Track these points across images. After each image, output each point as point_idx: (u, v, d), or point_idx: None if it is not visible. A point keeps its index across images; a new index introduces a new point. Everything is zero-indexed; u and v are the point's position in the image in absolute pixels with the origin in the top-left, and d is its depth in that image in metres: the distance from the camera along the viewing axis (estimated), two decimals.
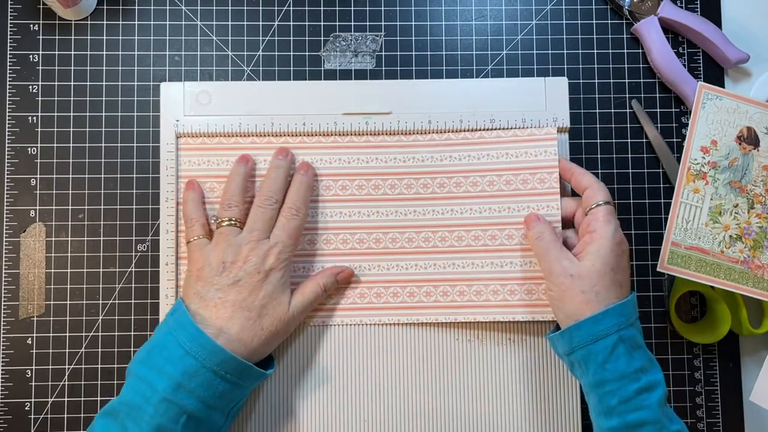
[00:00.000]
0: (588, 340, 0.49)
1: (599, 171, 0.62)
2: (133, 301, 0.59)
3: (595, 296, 0.50)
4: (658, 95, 0.63)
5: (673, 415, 0.50)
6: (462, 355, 0.57)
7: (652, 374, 0.49)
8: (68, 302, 0.59)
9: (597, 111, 0.62)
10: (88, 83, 0.61)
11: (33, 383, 0.58)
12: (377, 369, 0.57)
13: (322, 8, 0.62)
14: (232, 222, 0.53)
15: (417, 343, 0.57)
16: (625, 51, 0.63)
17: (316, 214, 0.58)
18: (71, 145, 0.60)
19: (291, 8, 0.62)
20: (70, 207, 0.60)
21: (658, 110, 0.63)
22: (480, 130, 0.59)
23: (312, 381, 0.57)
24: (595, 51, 0.63)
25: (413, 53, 0.62)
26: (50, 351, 0.59)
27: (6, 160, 0.60)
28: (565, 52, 0.63)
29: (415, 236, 0.58)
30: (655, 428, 0.47)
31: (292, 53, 0.62)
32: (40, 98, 0.61)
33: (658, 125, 0.62)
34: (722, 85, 0.63)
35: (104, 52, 0.61)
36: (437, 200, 0.58)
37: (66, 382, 0.59)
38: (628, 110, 0.63)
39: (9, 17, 0.61)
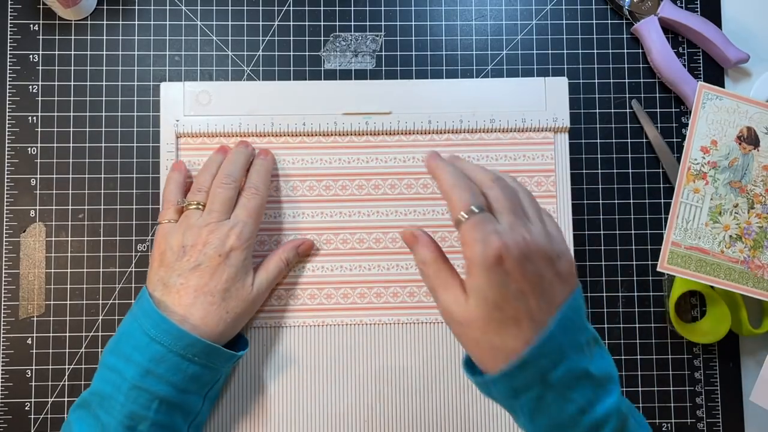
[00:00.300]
0: (507, 395, 0.40)
1: (599, 171, 0.62)
2: (132, 301, 0.59)
3: (490, 347, 0.40)
4: (658, 95, 0.63)
5: None
6: (462, 355, 0.57)
7: (599, 407, 0.39)
8: (68, 302, 0.59)
9: (597, 111, 0.62)
10: (88, 83, 0.61)
11: (33, 383, 0.58)
12: (378, 369, 0.57)
13: (322, 8, 0.62)
14: (199, 206, 0.53)
15: (417, 342, 0.57)
16: (625, 51, 0.63)
17: (316, 214, 0.58)
18: (71, 145, 0.60)
19: (291, 8, 0.62)
20: (70, 207, 0.60)
21: (658, 110, 0.63)
22: (480, 131, 0.59)
23: (311, 380, 0.57)
24: (595, 51, 0.63)
25: (413, 53, 0.62)
26: (50, 351, 0.59)
27: (6, 160, 0.60)
28: (565, 52, 0.63)
29: None
30: None
31: (292, 53, 0.62)
32: (40, 98, 0.61)
33: (658, 125, 0.62)
34: (722, 85, 0.63)
35: (104, 52, 0.61)
36: (437, 200, 0.58)
37: (66, 382, 0.58)
38: (628, 110, 0.63)
39: (9, 17, 0.61)
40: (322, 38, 0.62)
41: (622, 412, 0.41)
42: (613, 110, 0.62)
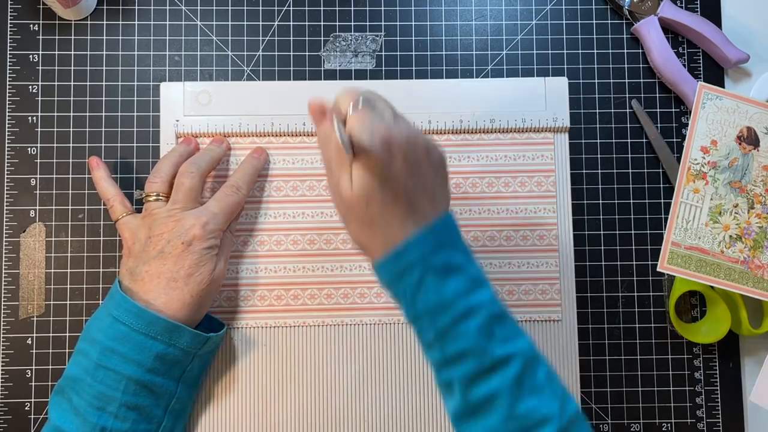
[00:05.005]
0: (393, 278, 0.44)
1: (599, 171, 0.62)
2: None
3: (371, 225, 0.44)
4: (658, 95, 0.63)
5: (511, 335, 0.43)
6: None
7: (474, 297, 0.43)
8: (68, 302, 0.59)
9: (597, 111, 0.62)
10: (88, 83, 0.61)
11: (33, 383, 0.58)
12: (378, 369, 0.57)
13: (322, 8, 0.62)
14: (159, 197, 0.53)
15: (417, 343, 0.57)
16: (625, 51, 0.63)
17: (316, 214, 0.58)
18: (71, 145, 0.60)
19: (291, 8, 0.62)
20: (70, 207, 0.60)
21: (658, 110, 0.63)
22: (480, 131, 0.59)
23: (311, 380, 0.57)
24: (595, 51, 0.63)
25: (413, 53, 0.62)
26: (50, 351, 0.59)
27: (6, 160, 0.60)
28: (565, 52, 0.63)
29: None
30: (477, 356, 0.42)
31: (292, 53, 0.62)
32: (40, 98, 0.61)
33: (658, 125, 0.62)
34: (722, 85, 0.63)
35: (104, 52, 0.61)
36: None
37: None
38: (628, 110, 0.63)
39: (9, 17, 0.61)
40: (322, 38, 0.62)
41: (496, 306, 0.43)
42: (613, 110, 0.62)
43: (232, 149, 0.58)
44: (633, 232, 0.61)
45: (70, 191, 0.60)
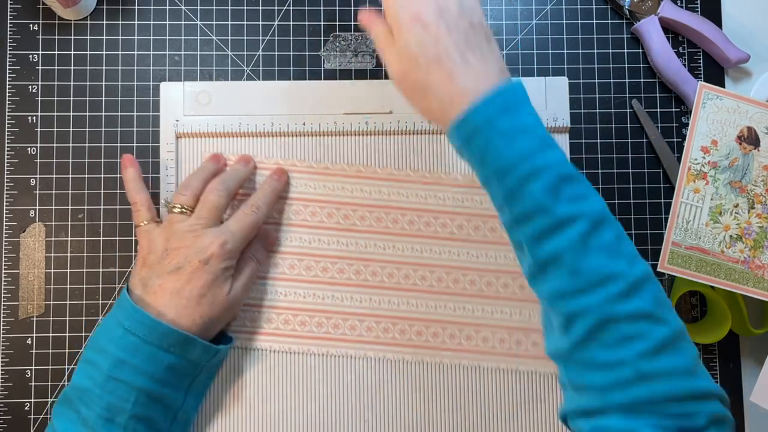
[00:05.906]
0: (463, 143, 0.45)
1: (599, 171, 0.62)
2: None
3: (425, 92, 0.45)
4: (658, 95, 0.63)
5: (580, 195, 0.43)
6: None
7: (540, 157, 0.43)
8: (68, 302, 0.59)
9: (597, 111, 0.62)
10: (88, 83, 0.61)
11: (33, 383, 0.58)
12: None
13: (322, 8, 0.62)
14: (184, 210, 0.53)
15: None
16: (625, 51, 0.63)
17: (332, 242, 0.57)
18: (71, 145, 0.60)
19: (291, 8, 0.62)
20: (69, 207, 0.60)
21: (658, 110, 0.63)
22: None
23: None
24: (595, 51, 0.63)
25: None
26: (50, 351, 0.58)
27: (6, 160, 0.60)
28: (565, 52, 0.63)
29: (428, 275, 0.57)
30: (542, 216, 0.42)
31: (292, 53, 0.62)
32: (39, 98, 0.61)
33: (659, 125, 0.62)
34: (722, 85, 0.63)
35: (104, 52, 0.61)
36: (455, 241, 0.57)
37: (66, 382, 0.58)
38: (628, 110, 0.62)
39: (9, 17, 0.61)
40: (322, 38, 0.62)
41: (565, 170, 0.43)
42: (613, 110, 0.62)
43: (257, 169, 0.58)
44: (633, 232, 0.61)
45: (70, 191, 0.60)
